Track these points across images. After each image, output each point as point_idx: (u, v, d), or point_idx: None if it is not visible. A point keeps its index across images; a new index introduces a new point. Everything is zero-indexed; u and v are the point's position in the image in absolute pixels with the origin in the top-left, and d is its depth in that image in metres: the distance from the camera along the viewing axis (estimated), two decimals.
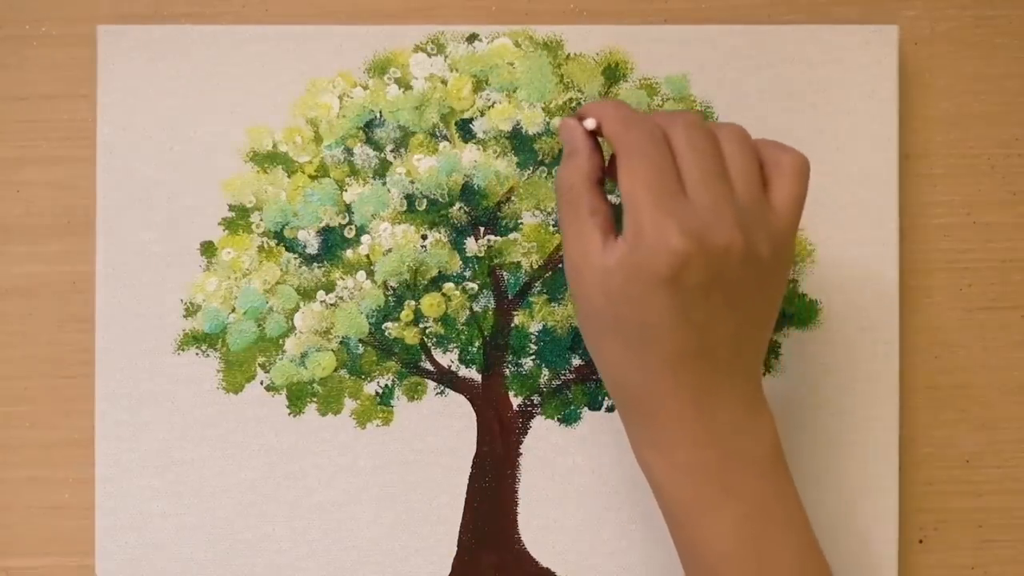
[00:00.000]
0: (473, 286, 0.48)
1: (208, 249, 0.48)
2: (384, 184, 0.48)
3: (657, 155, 0.36)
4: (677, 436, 0.37)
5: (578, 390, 0.48)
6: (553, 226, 0.48)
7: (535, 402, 0.48)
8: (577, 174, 0.38)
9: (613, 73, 0.48)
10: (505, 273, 0.48)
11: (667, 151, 0.37)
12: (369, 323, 0.48)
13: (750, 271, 0.36)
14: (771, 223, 0.37)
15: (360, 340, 0.48)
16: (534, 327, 0.48)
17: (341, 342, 0.48)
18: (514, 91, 0.48)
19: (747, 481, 0.38)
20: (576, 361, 0.48)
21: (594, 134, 0.39)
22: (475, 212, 0.48)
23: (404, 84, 0.48)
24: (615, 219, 0.38)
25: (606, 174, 0.39)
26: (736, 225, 0.36)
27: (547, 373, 0.48)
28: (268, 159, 0.48)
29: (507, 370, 0.48)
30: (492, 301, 0.48)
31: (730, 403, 0.37)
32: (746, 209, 0.37)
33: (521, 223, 0.48)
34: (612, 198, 0.44)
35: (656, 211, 0.35)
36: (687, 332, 0.36)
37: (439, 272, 0.48)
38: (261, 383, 0.48)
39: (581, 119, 0.39)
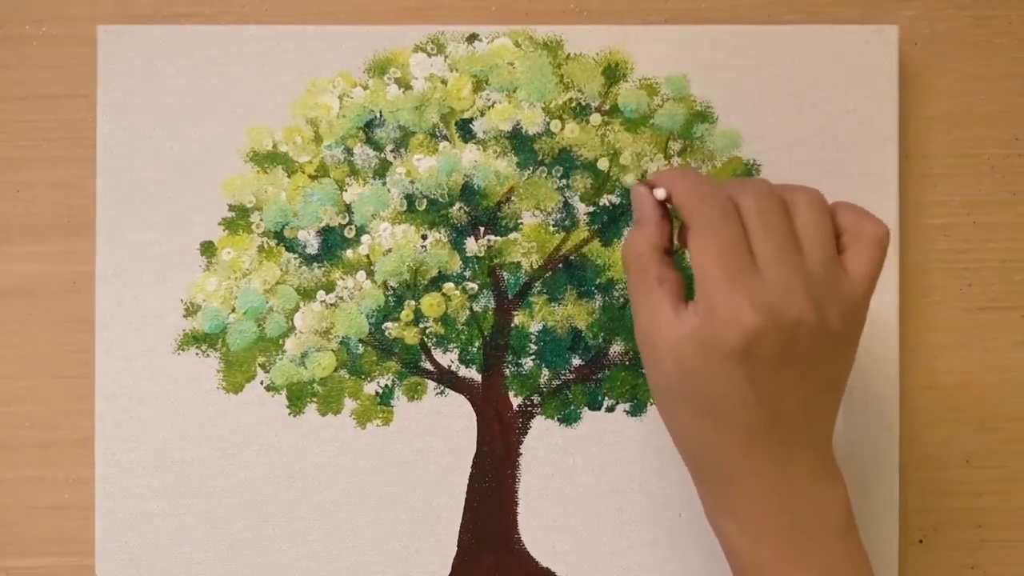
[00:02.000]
0: (473, 286, 0.48)
1: (208, 249, 0.48)
2: (384, 184, 0.48)
3: (728, 229, 0.36)
4: (751, 504, 0.38)
5: (578, 390, 0.48)
6: (553, 226, 0.48)
7: (535, 402, 0.48)
8: (645, 243, 0.38)
9: (613, 73, 0.48)
10: (505, 273, 0.48)
11: (738, 224, 0.36)
12: (369, 323, 0.48)
13: (821, 342, 0.36)
14: (844, 291, 0.37)
15: (360, 340, 0.48)
16: (534, 327, 0.48)
17: (341, 342, 0.48)
18: (514, 91, 0.48)
19: (820, 548, 0.38)
20: (576, 361, 0.48)
21: (664, 202, 0.39)
22: (475, 212, 0.48)
23: (404, 84, 0.48)
24: (684, 286, 0.38)
25: (676, 240, 0.39)
26: (807, 298, 0.36)
27: (547, 373, 0.48)
28: (268, 159, 0.48)
29: (507, 370, 0.48)
30: (492, 301, 0.48)
31: (803, 471, 0.37)
32: (818, 279, 0.36)
33: (521, 223, 0.48)
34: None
35: (728, 286, 0.35)
36: (759, 405, 0.36)
37: (439, 272, 0.48)
38: (261, 383, 0.48)
39: (652, 187, 0.39)
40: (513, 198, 0.48)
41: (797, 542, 0.37)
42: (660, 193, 0.39)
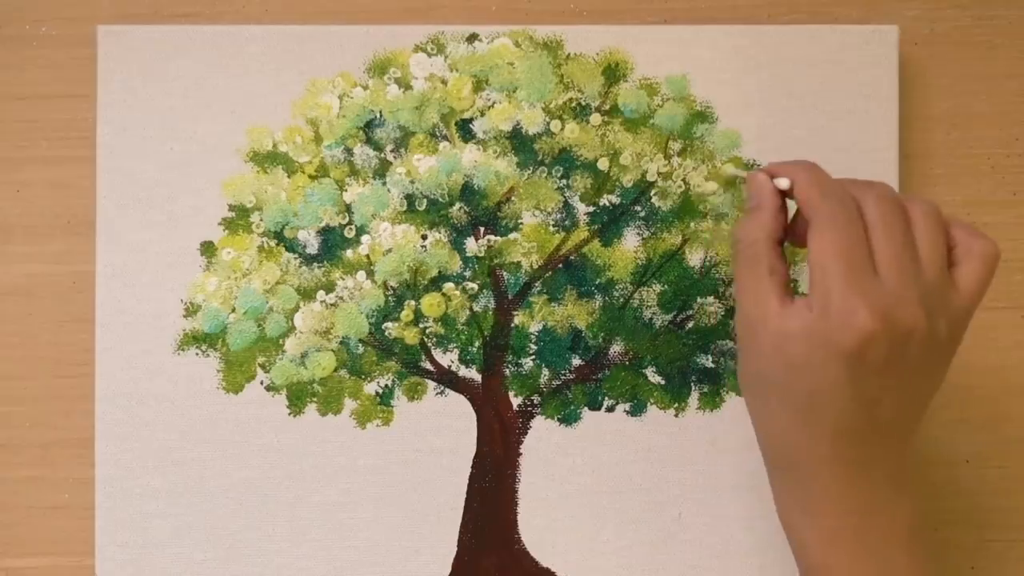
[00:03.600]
0: (473, 286, 0.48)
1: (208, 249, 0.48)
2: (384, 184, 0.48)
3: (850, 227, 0.36)
4: (827, 503, 0.38)
5: (578, 390, 0.48)
6: (553, 226, 0.48)
7: (535, 402, 0.48)
8: (761, 231, 0.38)
9: (613, 73, 0.48)
10: (505, 273, 0.48)
11: (860, 223, 0.37)
12: (369, 323, 0.48)
13: (927, 351, 0.37)
14: (952, 304, 0.37)
15: (360, 340, 0.48)
16: (534, 327, 0.48)
17: (341, 342, 0.48)
18: (514, 91, 0.48)
19: (891, 552, 0.38)
20: (576, 361, 0.48)
21: (783, 193, 0.39)
22: (475, 212, 0.48)
23: (404, 84, 0.48)
24: (790, 281, 0.38)
25: (787, 236, 0.39)
26: (921, 307, 0.36)
27: (547, 373, 0.48)
28: (268, 159, 0.48)
29: (507, 370, 0.48)
30: (492, 301, 0.48)
31: (883, 475, 0.38)
32: (930, 289, 0.37)
33: (521, 223, 0.48)
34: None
35: (846, 285, 0.35)
36: (856, 406, 0.36)
37: (439, 272, 0.48)
38: (261, 383, 0.48)
39: (772, 176, 0.39)
40: (513, 198, 0.48)
41: (869, 545, 0.37)
42: (783, 183, 0.38)
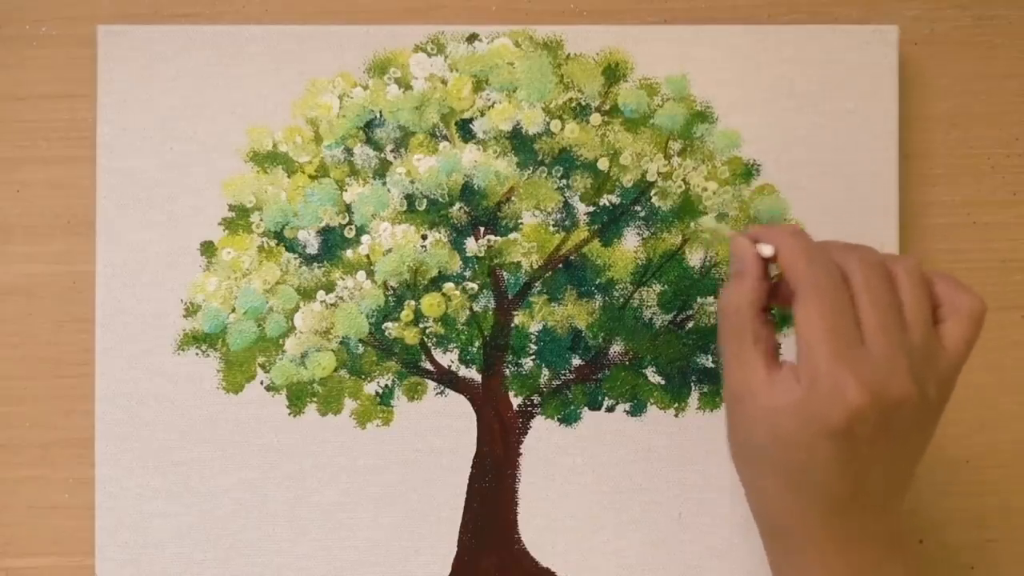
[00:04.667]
0: (473, 286, 0.48)
1: (208, 249, 0.48)
2: (384, 184, 0.48)
3: (836, 296, 0.36)
4: (820, 569, 0.37)
5: (578, 390, 0.48)
6: (553, 226, 0.48)
7: (535, 402, 0.48)
8: (744, 299, 0.38)
9: (613, 73, 0.48)
10: (505, 273, 0.48)
11: (846, 293, 0.36)
12: (369, 323, 0.48)
13: (917, 416, 0.36)
14: (939, 364, 0.37)
15: (360, 340, 0.48)
16: (534, 327, 0.48)
17: (341, 342, 0.48)
18: (514, 91, 0.48)
19: None
20: (576, 361, 0.48)
21: (765, 259, 0.38)
22: (475, 212, 0.48)
23: (404, 84, 0.48)
24: (777, 344, 0.38)
25: (771, 299, 0.39)
26: (910, 375, 0.36)
27: (547, 373, 0.48)
28: (268, 159, 0.48)
29: (507, 370, 0.48)
30: (492, 301, 0.48)
31: (874, 542, 0.37)
32: (918, 353, 0.36)
33: (521, 223, 0.48)
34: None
35: (834, 360, 0.35)
36: (846, 479, 0.36)
37: (439, 272, 0.48)
38: (261, 383, 0.48)
39: (755, 240, 0.38)
40: (513, 198, 0.48)
41: None
42: (767, 250, 0.38)
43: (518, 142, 0.48)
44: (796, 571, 0.38)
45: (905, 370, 0.35)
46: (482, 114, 0.48)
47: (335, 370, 0.48)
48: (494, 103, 0.48)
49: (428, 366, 0.48)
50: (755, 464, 0.38)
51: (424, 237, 0.48)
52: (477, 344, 0.48)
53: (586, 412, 0.48)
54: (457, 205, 0.48)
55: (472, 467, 0.48)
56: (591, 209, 0.48)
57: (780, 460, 0.37)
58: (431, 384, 0.48)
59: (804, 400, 0.35)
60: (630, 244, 0.48)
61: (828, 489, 0.36)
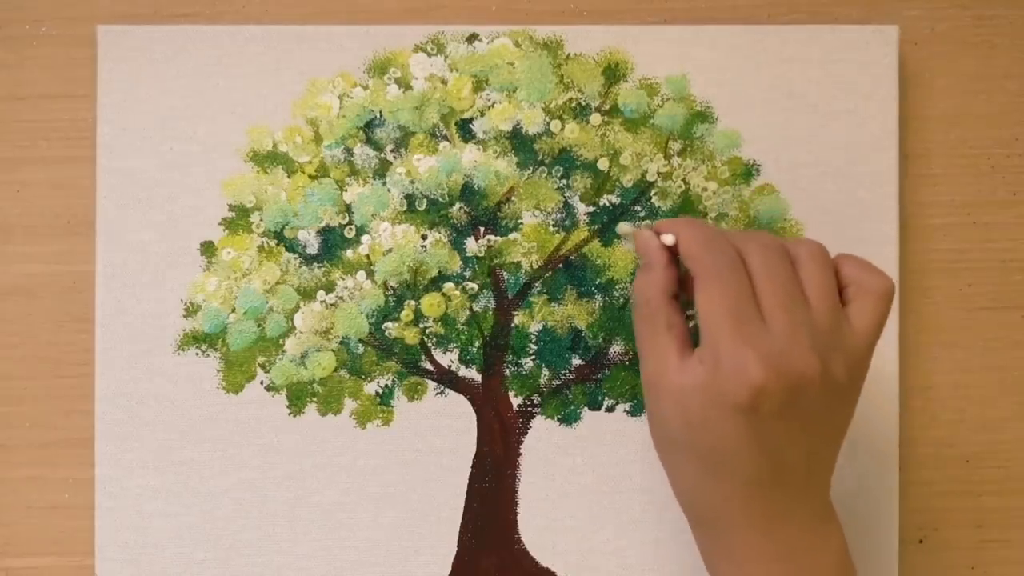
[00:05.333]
0: (473, 286, 0.48)
1: (208, 249, 0.48)
2: (384, 184, 0.48)
3: (735, 280, 0.36)
4: (748, 552, 0.38)
5: (578, 390, 0.48)
6: (553, 226, 0.48)
7: (535, 402, 0.48)
8: (653, 288, 0.38)
9: (613, 73, 0.48)
10: (505, 273, 0.48)
11: (744, 276, 0.37)
12: (369, 323, 0.48)
13: (826, 393, 0.36)
14: (848, 344, 0.37)
15: (360, 340, 0.48)
16: (534, 327, 0.48)
17: (341, 342, 0.48)
18: (514, 91, 0.48)
19: None
20: (576, 361, 0.48)
21: (670, 248, 0.39)
22: (475, 212, 0.48)
23: (404, 84, 0.48)
24: (690, 332, 0.38)
25: (681, 288, 0.39)
26: (813, 351, 0.36)
27: (547, 373, 0.48)
28: (268, 159, 0.48)
29: (507, 370, 0.48)
30: (492, 301, 0.48)
31: (800, 520, 0.38)
32: (823, 332, 0.36)
33: (521, 223, 0.48)
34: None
35: (734, 339, 0.35)
36: (761, 457, 0.36)
37: (439, 272, 0.48)
38: (261, 383, 0.48)
39: (658, 232, 0.39)
40: (513, 198, 0.48)
41: None
42: (668, 239, 0.39)
43: (518, 142, 0.48)
44: (724, 555, 0.38)
45: (807, 345, 0.36)
46: (482, 114, 0.48)
47: (335, 370, 0.48)
48: (494, 103, 0.48)
49: (428, 366, 0.48)
50: (673, 451, 0.38)
51: (424, 237, 0.48)
52: (477, 344, 0.48)
53: (586, 412, 0.48)
54: (457, 205, 0.48)
55: (472, 467, 0.48)
56: (591, 209, 0.48)
57: (694, 443, 0.37)
58: (431, 384, 0.48)
59: (709, 380, 0.36)
60: (630, 244, 0.48)
61: (744, 469, 0.36)
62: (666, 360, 0.37)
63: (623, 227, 0.42)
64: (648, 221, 0.47)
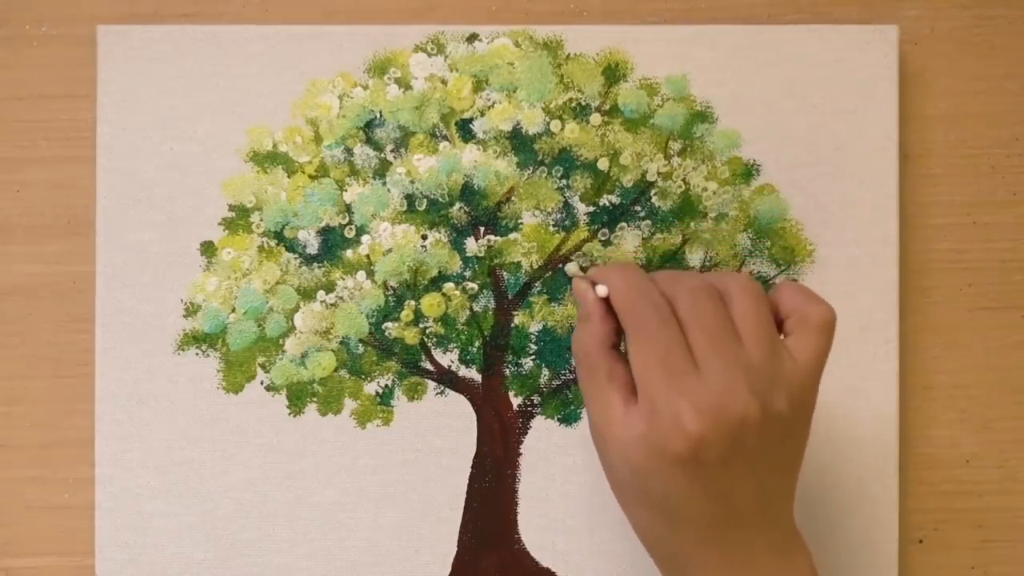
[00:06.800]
0: (473, 286, 0.48)
1: (208, 249, 0.48)
2: (384, 184, 0.48)
3: (664, 331, 0.36)
4: None
5: (578, 390, 0.48)
6: (553, 226, 0.48)
7: (535, 402, 0.48)
8: (592, 340, 0.38)
9: (613, 73, 0.48)
10: (505, 273, 0.48)
11: (674, 325, 0.36)
12: (369, 323, 0.48)
13: (770, 430, 0.36)
14: (789, 376, 0.37)
15: (360, 340, 0.48)
16: (534, 327, 0.48)
17: (341, 342, 0.48)
18: (514, 91, 0.48)
19: None
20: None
21: (606, 299, 0.39)
22: (475, 212, 0.48)
23: (404, 84, 0.48)
24: (632, 381, 0.38)
25: (621, 336, 0.39)
26: (749, 390, 0.35)
27: (547, 373, 0.48)
28: (268, 159, 0.48)
29: (507, 370, 0.48)
30: (492, 301, 0.48)
31: (760, 555, 0.37)
32: (759, 368, 0.36)
33: (521, 223, 0.48)
34: None
35: (668, 392, 0.35)
36: (710, 503, 0.36)
37: (439, 272, 0.48)
38: (261, 383, 0.48)
39: (594, 283, 0.39)
40: (513, 198, 0.48)
41: None
42: (601, 291, 0.39)
43: (518, 142, 0.48)
44: None
45: (743, 385, 0.35)
46: (482, 114, 0.48)
47: (335, 370, 0.48)
48: (494, 103, 0.48)
49: (428, 366, 0.48)
50: (626, 498, 0.38)
51: (424, 237, 0.48)
52: (477, 344, 0.48)
53: (586, 412, 0.48)
54: (457, 205, 0.48)
55: (472, 467, 0.48)
56: (591, 209, 0.48)
57: (644, 492, 0.37)
58: (431, 384, 0.48)
59: (647, 432, 0.36)
60: (630, 244, 0.48)
61: (695, 515, 0.36)
62: (610, 411, 0.37)
63: (570, 268, 0.42)
64: (596, 262, 0.47)
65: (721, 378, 0.35)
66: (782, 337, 0.38)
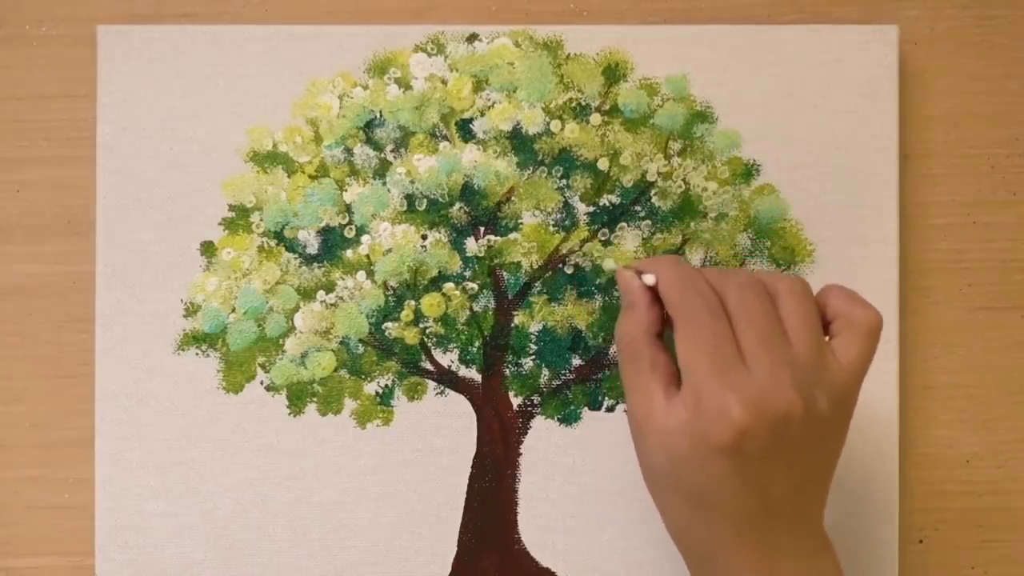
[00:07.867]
0: (473, 286, 0.48)
1: (208, 249, 0.48)
2: (384, 184, 0.48)
3: (713, 323, 0.36)
4: None
5: (578, 390, 0.48)
6: (553, 226, 0.48)
7: (535, 402, 0.48)
8: (637, 328, 0.38)
9: (613, 73, 0.48)
10: (505, 273, 0.48)
11: (723, 317, 0.37)
12: (369, 323, 0.48)
13: (810, 430, 0.36)
14: (833, 377, 0.37)
15: (360, 340, 0.48)
16: (534, 327, 0.48)
17: (341, 342, 0.48)
18: (514, 91, 0.48)
19: None
20: (576, 361, 0.48)
21: (652, 288, 0.39)
22: (475, 212, 0.48)
23: (404, 84, 0.48)
24: (676, 369, 0.38)
25: (665, 326, 0.39)
26: (795, 388, 0.36)
27: (547, 373, 0.48)
28: (268, 159, 0.48)
29: (507, 370, 0.48)
30: (492, 301, 0.48)
31: (792, 553, 0.37)
32: (805, 367, 0.36)
33: (521, 223, 0.48)
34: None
35: (715, 382, 0.35)
36: (748, 496, 0.36)
37: (439, 272, 0.48)
38: (261, 383, 0.48)
39: (639, 272, 0.39)
40: (513, 198, 0.48)
41: None
42: (649, 279, 0.39)
43: (518, 142, 0.48)
44: None
45: (788, 383, 0.36)
46: (482, 114, 0.48)
47: (335, 370, 0.48)
48: (494, 103, 0.48)
49: (428, 366, 0.48)
50: (662, 489, 0.38)
51: (424, 237, 0.48)
52: (477, 344, 0.48)
53: (586, 412, 0.48)
54: (457, 205, 0.48)
55: (472, 467, 0.48)
56: (591, 209, 0.48)
57: (681, 482, 0.37)
58: (431, 384, 0.48)
59: (691, 421, 0.36)
60: (630, 244, 0.48)
61: (731, 508, 0.36)
62: (651, 400, 0.37)
63: (608, 264, 0.42)
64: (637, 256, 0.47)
65: (767, 373, 0.36)
66: (828, 339, 0.38)
